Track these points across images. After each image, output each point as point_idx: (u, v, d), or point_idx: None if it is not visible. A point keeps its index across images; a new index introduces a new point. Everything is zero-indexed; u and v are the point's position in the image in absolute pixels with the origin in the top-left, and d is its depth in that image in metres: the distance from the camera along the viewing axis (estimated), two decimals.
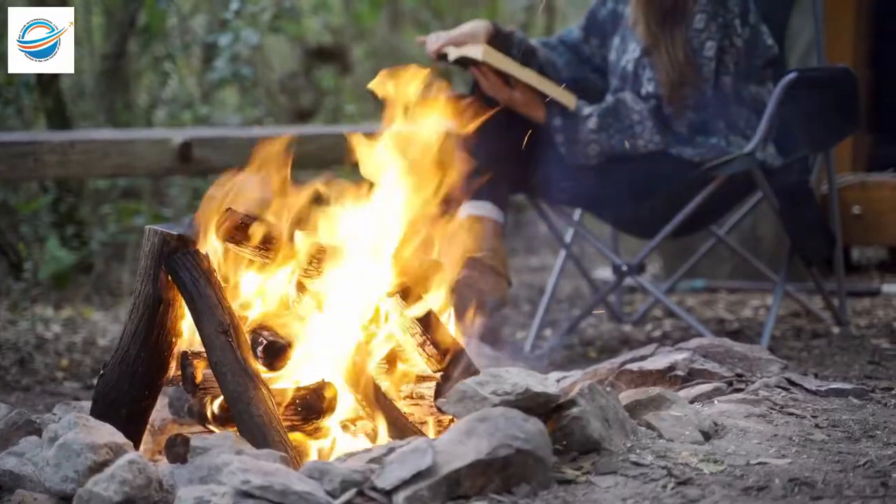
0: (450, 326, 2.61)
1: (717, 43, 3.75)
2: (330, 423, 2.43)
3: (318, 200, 2.60)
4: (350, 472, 2.06)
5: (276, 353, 2.43)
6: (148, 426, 2.55)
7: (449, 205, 2.65)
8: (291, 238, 2.51)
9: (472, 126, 2.69)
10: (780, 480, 2.14)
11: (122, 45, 6.38)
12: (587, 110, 3.77)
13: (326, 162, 4.70)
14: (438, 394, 2.46)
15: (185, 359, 2.48)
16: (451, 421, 2.38)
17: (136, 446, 2.48)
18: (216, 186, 2.55)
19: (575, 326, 4.19)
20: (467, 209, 3.70)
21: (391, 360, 2.57)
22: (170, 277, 2.45)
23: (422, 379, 2.54)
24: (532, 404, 2.24)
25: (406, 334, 2.52)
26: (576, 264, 4.44)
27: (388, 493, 2.03)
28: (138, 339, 2.48)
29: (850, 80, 3.92)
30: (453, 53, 3.76)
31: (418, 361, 2.54)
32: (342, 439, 2.45)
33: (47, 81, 5.57)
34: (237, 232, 2.46)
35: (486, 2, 8.72)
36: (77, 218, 5.56)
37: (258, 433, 2.31)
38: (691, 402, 2.69)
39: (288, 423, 2.39)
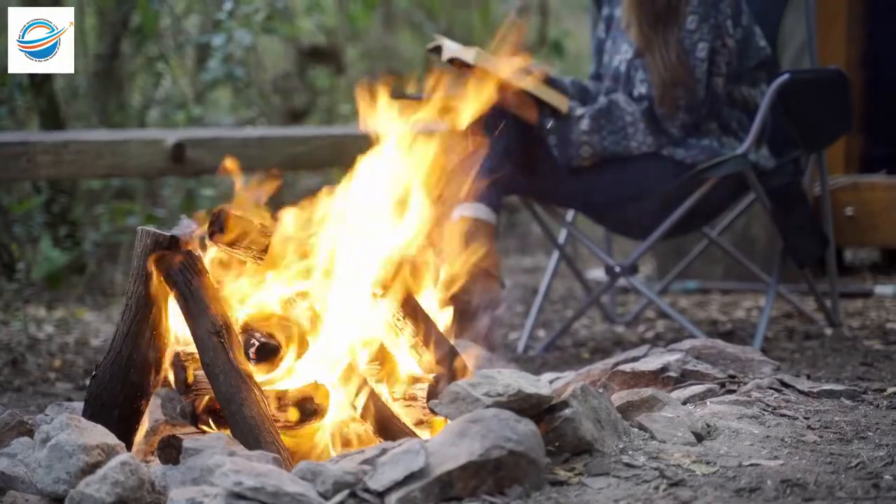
0: (442, 328, 2.61)
1: (709, 44, 3.76)
2: (322, 424, 2.43)
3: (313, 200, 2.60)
4: (342, 473, 2.06)
5: (268, 354, 2.43)
6: (140, 427, 2.55)
7: (443, 206, 2.65)
8: (284, 239, 2.51)
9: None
10: (773, 482, 2.14)
11: (116, 46, 6.38)
12: (579, 111, 3.77)
13: (319, 163, 4.70)
14: (431, 395, 2.46)
15: (178, 360, 2.48)
16: (444, 422, 2.38)
17: (129, 447, 2.47)
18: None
19: (568, 327, 4.20)
20: (460, 211, 3.70)
21: (384, 361, 2.57)
22: (162, 278, 2.44)
23: (414, 380, 2.54)
24: (524, 405, 2.24)
25: (399, 335, 2.52)
26: (569, 265, 4.44)
27: (381, 495, 2.03)
28: (131, 340, 2.48)
29: (843, 81, 3.93)
30: (446, 53, 3.76)
31: (411, 363, 2.55)
32: (334, 440, 2.44)
33: (40, 82, 5.56)
34: (231, 233, 2.46)
35: (478, 3, 8.72)
36: (70, 218, 5.55)
37: (250, 434, 2.31)
38: (684, 403, 2.69)
39: (280, 425, 2.39)
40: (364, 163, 2.62)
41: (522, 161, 3.83)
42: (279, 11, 6.90)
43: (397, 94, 2.63)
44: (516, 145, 3.76)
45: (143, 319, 2.48)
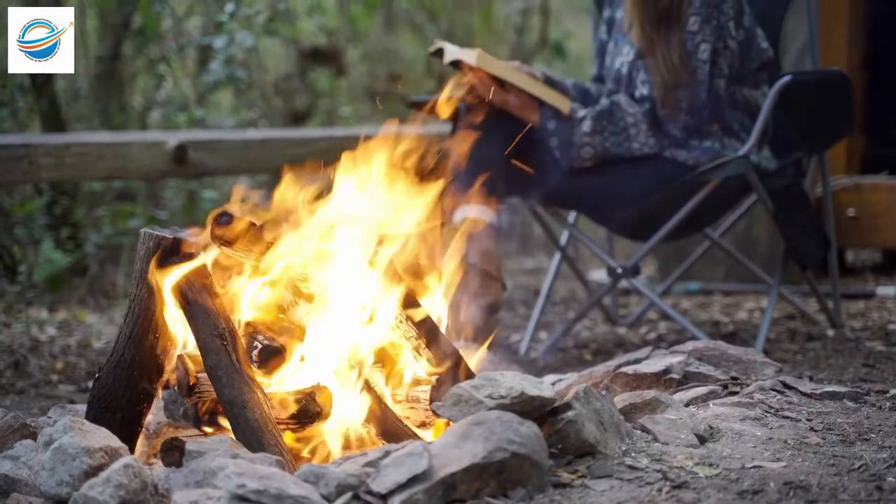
0: (445, 330, 2.61)
1: (711, 45, 3.76)
2: (325, 426, 2.43)
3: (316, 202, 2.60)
4: (346, 475, 2.06)
5: (271, 356, 2.43)
6: (143, 430, 2.55)
7: (445, 208, 2.65)
8: (287, 241, 2.51)
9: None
10: (775, 484, 2.14)
11: (117, 48, 6.38)
12: (581, 113, 3.77)
13: (321, 165, 4.70)
14: (434, 397, 2.46)
15: (181, 362, 2.48)
16: (447, 424, 2.38)
17: (132, 450, 2.48)
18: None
19: (570, 329, 4.20)
20: (462, 212, 3.70)
21: (387, 363, 2.57)
22: (164, 281, 2.44)
23: (417, 382, 2.54)
24: (527, 408, 2.24)
25: (402, 338, 2.52)
26: (571, 267, 4.44)
27: (384, 497, 2.03)
28: (133, 342, 2.48)
29: (844, 82, 3.93)
30: (448, 56, 3.76)
31: (414, 365, 2.55)
32: (338, 443, 2.45)
33: (42, 84, 5.56)
34: (232, 235, 2.46)
35: (480, 5, 8.72)
36: (72, 220, 5.55)
37: (253, 437, 2.31)
38: (686, 405, 2.69)
39: (283, 427, 2.39)
40: (363, 164, 2.62)
41: (524, 162, 3.83)
42: (280, 13, 6.90)
43: (408, 102, 2.63)
44: (511, 139, 3.76)
45: (146, 322, 2.48)
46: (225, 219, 2.43)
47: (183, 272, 2.43)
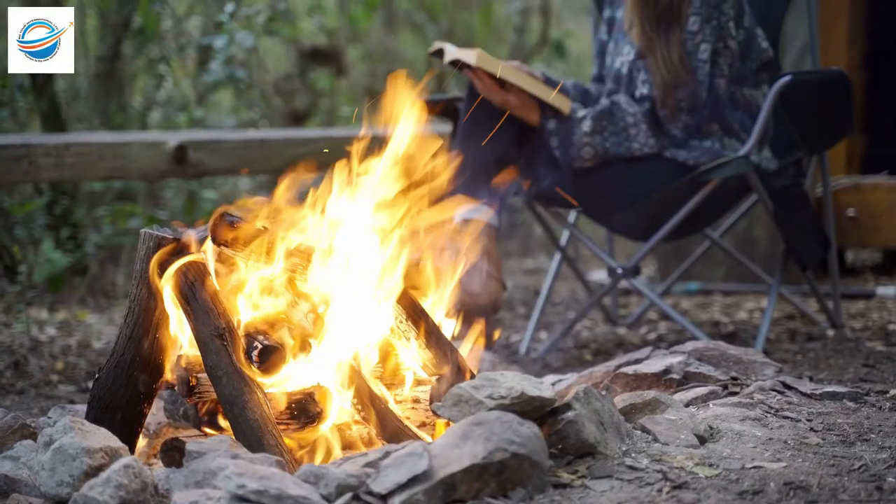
0: (445, 330, 2.61)
1: (711, 45, 3.76)
2: (325, 427, 2.43)
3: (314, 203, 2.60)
4: (346, 476, 2.06)
5: (271, 356, 2.43)
6: (143, 430, 2.55)
7: (444, 208, 2.65)
8: (287, 242, 2.51)
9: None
10: (776, 484, 2.14)
11: (117, 48, 6.38)
12: (581, 113, 3.77)
13: (320, 165, 4.70)
14: (434, 398, 2.46)
15: (181, 362, 2.48)
16: (447, 425, 2.38)
17: (132, 450, 2.48)
18: None
19: (570, 329, 4.20)
20: (462, 213, 3.70)
21: (387, 363, 2.57)
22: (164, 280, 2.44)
23: (418, 383, 2.54)
24: (527, 408, 2.24)
25: (402, 338, 2.52)
26: (571, 267, 4.44)
27: (384, 498, 2.03)
28: (133, 342, 2.48)
29: (844, 82, 3.93)
30: (448, 56, 3.76)
31: (414, 365, 2.55)
32: (337, 443, 2.44)
33: (42, 84, 5.56)
34: (232, 235, 2.46)
35: (480, 5, 8.72)
36: (72, 220, 5.55)
37: (253, 437, 2.31)
38: (686, 405, 2.69)
39: (283, 427, 2.39)
40: (366, 164, 2.62)
41: (524, 162, 3.83)
42: (280, 13, 6.91)
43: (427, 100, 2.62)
44: (512, 139, 3.77)
45: (146, 322, 2.48)
46: (230, 219, 2.43)
47: (183, 272, 2.43)
